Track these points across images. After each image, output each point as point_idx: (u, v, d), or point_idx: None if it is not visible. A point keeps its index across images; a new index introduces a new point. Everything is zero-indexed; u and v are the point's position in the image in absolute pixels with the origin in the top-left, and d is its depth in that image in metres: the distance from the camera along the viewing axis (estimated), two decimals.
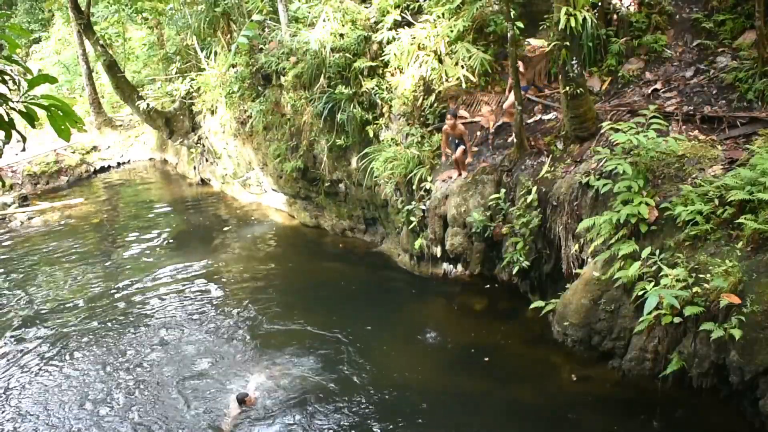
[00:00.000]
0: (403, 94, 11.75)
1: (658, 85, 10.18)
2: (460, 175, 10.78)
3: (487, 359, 9.20)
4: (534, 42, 11.68)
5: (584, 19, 9.46)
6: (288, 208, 16.12)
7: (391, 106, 12.18)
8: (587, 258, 8.72)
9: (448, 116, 10.52)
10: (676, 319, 6.89)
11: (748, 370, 6.43)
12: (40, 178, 20.66)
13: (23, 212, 18.02)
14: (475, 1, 11.46)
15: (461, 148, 10.59)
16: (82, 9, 18.12)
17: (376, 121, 12.51)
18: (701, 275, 6.88)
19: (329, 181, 13.99)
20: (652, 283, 7.14)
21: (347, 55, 12.65)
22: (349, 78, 12.77)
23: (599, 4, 11.03)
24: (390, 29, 12.17)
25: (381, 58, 12.40)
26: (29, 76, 3.59)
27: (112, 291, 12.56)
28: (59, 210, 18.14)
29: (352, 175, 13.48)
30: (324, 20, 12.95)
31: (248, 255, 13.98)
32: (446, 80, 11.55)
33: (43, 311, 11.97)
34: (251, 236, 15.10)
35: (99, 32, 20.32)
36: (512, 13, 9.90)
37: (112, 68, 18.42)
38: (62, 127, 3.70)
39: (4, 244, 15.99)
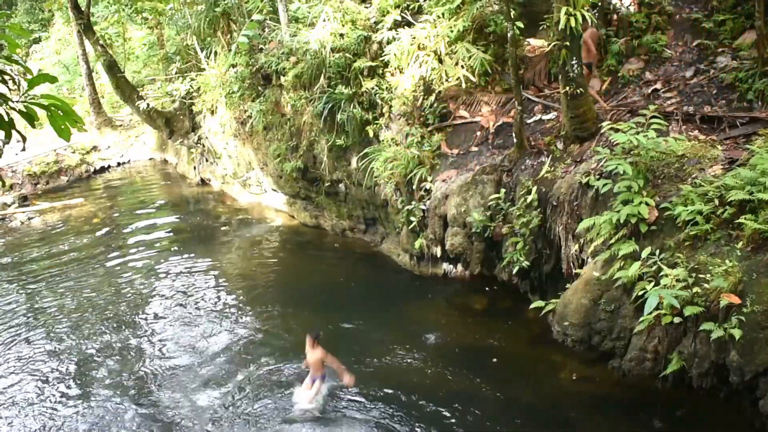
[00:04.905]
0: (403, 94, 11.75)
1: (658, 85, 10.19)
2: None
3: (495, 360, 9.21)
4: (534, 42, 11.69)
5: (584, 19, 9.46)
6: (288, 208, 16.11)
7: (391, 106, 12.17)
8: (587, 258, 8.72)
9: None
10: (676, 319, 6.89)
11: (748, 370, 6.42)
12: (40, 178, 20.66)
13: (23, 212, 18.01)
14: (475, 1, 11.46)
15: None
16: (82, 9, 18.13)
17: (376, 121, 12.51)
18: (701, 275, 6.87)
19: (329, 181, 13.98)
20: (652, 283, 7.14)
21: (347, 55, 12.64)
22: (349, 78, 12.76)
23: (599, 4, 11.04)
24: (390, 29, 12.18)
25: (381, 58, 12.40)
26: (29, 76, 3.58)
27: (111, 291, 12.55)
28: (59, 210, 18.14)
29: (352, 175, 13.47)
30: (324, 20, 12.95)
31: (248, 255, 13.97)
32: (446, 80, 11.56)
33: (41, 311, 11.96)
34: (251, 236, 15.10)
35: (99, 32, 20.32)
36: (512, 13, 9.90)
37: (112, 68, 18.43)
38: (62, 127, 3.70)
39: (3, 244, 15.98)
